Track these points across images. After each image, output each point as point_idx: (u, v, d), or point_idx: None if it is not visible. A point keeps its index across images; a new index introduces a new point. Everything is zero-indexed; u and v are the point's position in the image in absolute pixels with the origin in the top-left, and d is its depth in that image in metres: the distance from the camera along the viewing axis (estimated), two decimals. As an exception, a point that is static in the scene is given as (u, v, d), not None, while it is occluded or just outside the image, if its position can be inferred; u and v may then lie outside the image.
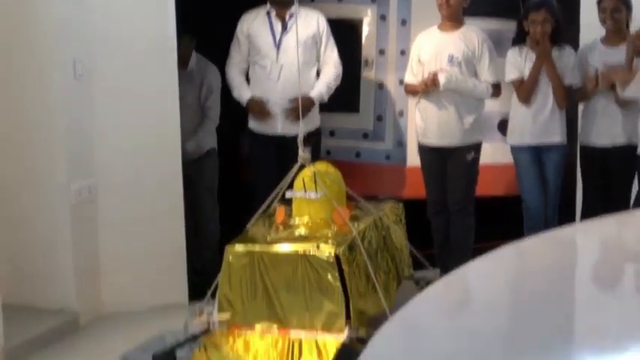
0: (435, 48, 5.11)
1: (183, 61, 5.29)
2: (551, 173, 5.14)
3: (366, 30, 5.87)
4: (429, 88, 5.04)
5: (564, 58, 5.08)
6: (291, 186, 4.35)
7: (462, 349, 1.66)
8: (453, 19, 5.12)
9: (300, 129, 4.41)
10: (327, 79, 5.28)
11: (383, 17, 5.82)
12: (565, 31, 5.10)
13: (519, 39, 5.12)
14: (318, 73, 5.31)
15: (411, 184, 5.68)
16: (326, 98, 5.30)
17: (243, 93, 5.31)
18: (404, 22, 5.80)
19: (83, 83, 4.73)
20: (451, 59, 5.07)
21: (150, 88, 4.90)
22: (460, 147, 5.11)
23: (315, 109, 5.32)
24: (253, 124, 5.30)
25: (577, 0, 5.32)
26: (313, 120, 5.30)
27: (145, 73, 4.88)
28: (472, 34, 5.14)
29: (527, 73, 5.08)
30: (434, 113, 5.12)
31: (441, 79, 5.00)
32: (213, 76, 5.48)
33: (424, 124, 5.18)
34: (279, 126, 5.15)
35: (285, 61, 5.08)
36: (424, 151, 5.25)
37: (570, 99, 5.13)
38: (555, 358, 1.54)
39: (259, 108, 5.24)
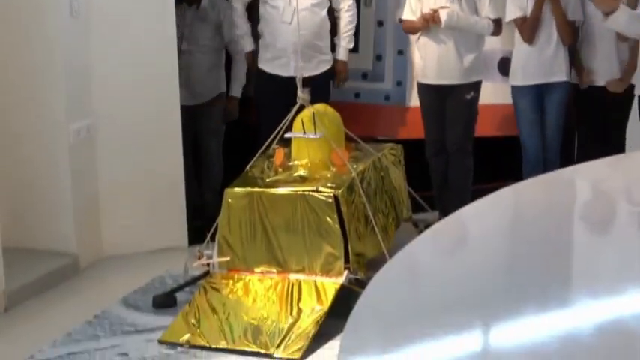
0: None
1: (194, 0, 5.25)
2: (553, 114, 5.09)
3: (365, -32, 5.76)
4: (429, 25, 4.97)
5: None
6: (290, 127, 4.32)
7: (460, 291, 1.66)
8: None
9: (298, 69, 4.36)
10: (347, 29, 5.26)
11: (380, -46, 5.71)
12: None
13: None
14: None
15: (411, 124, 5.63)
16: (352, 46, 5.33)
17: (245, 43, 5.31)
18: (401, -41, 5.69)
19: (79, 20, 4.65)
20: None
21: (148, 25, 4.81)
22: (459, 85, 5.05)
23: (328, 49, 5.26)
24: (264, 65, 5.23)
25: None
26: (327, 61, 5.23)
27: (142, 10, 4.80)
28: None
29: (529, 10, 4.99)
30: (433, 51, 5.05)
31: (443, 15, 4.92)
32: (230, 12, 5.36)
33: (423, 63, 5.12)
34: (292, 67, 5.03)
35: (300, 4, 4.96)
36: (423, 90, 5.20)
37: (574, 35, 5.08)
38: (552, 299, 1.53)
39: (249, 63, 5.30)
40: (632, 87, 4.82)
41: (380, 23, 5.73)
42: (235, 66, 5.51)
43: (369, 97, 5.77)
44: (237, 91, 5.51)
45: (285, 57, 5.07)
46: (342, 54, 5.30)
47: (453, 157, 5.15)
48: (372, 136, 5.39)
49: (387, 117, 5.77)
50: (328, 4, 5.19)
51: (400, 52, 5.72)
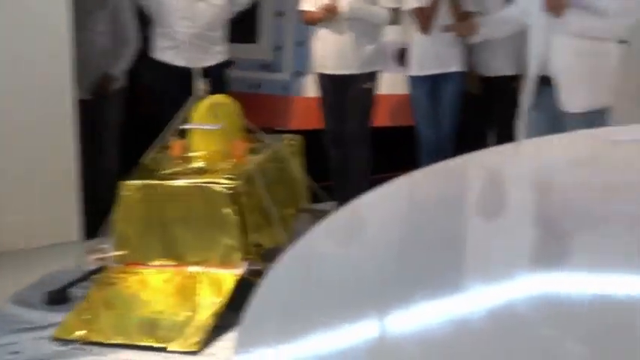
0: None
1: None
2: (447, 103, 5.18)
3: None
4: (329, 15, 4.97)
5: None
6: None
7: (356, 280, 1.66)
8: None
9: (192, 60, 4.30)
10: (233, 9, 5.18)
11: (281, -56, 5.69)
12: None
13: None
14: None
15: (310, 115, 5.63)
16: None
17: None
18: (303, -50, 5.67)
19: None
20: None
21: (39, 9, 4.65)
22: (358, 75, 5.08)
23: (225, 39, 5.17)
24: (158, 53, 5.12)
25: None
26: (222, 51, 5.15)
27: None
28: None
29: (426, 1, 5.05)
30: (333, 41, 5.06)
31: (343, 6, 4.94)
32: None
33: (323, 53, 5.14)
34: (186, 58, 4.95)
35: None
36: (323, 80, 5.22)
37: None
38: (445, 286, 1.54)
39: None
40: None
41: (279, 14, 5.71)
42: (123, 47, 5.31)
43: (268, 87, 5.76)
44: (117, 70, 5.25)
45: (179, 47, 4.98)
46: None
47: (351, 147, 5.18)
48: (272, 127, 5.36)
49: (286, 108, 5.76)
50: None
51: (299, 43, 5.71)
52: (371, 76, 5.14)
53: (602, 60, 4.09)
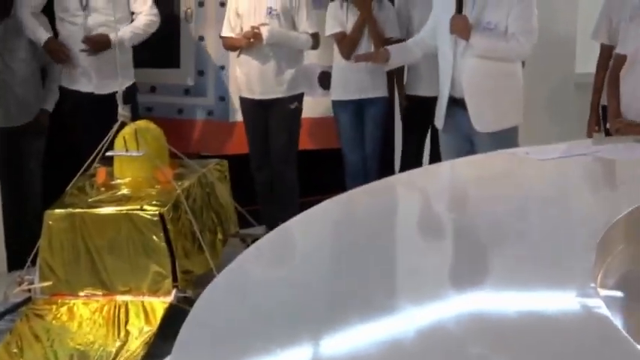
0: (252, 1, 5.05)
1: (4, 8, 4.95)
2: (372, 127, 5.24)
3: (184, -19, 5.72)
4: (250, 42, 4.99)
5: (384, 11, 5.17)
6: (112, 145, 4.22)
7: (288, 304, 1.68)
8: None
9: (119, 84, 4.27)
10: (134, 25, 4.99)
11: (201, -32, 5.70)
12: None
13: None
14: None
15: (235, 139, 5.64)
16: (127, 44, 4.98)
17: (39, 33, 4.90)
18: (222, -27, 5.70)
19: None
20: (270, 12, 5.02)
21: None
22: (282, 99, 5.11)
23: (129, 64, 5.12)
24: (66, 80, 5.05)
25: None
26: (127, 75, 5.06)
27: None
28: None
29: (349, 27, 5.11)
30: (255, 66, 5.08)
31: (264, 33, 4.96)
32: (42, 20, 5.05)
33: (245, 78, 5.14)
34: (93, 83, 4.92)
35: (95, 17, 4.81)
36: (246, 104, 5.22)
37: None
38: (376, 308, 1.57)
39: (59, 48, 4.90)
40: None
41: (201, 38, 5.71)
42: (47, 78, 5.23)
43: (191, 112, 5.74)
44: (49, 104, 5.19)
45: (86, 73, 4.93)
46: (120, 35, 4.86)
47: (277, 170, 5.20)
48: (197, 152, 5.36)
49: (210, 132, 5.75)
50: (130, 18, 5.06)
51: (222, 68, 5.72)
52: (295, 98, 5.17)
53: (508, 80, 4.21)
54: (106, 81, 4.77)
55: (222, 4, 5.63)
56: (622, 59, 3.89)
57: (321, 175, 5.61)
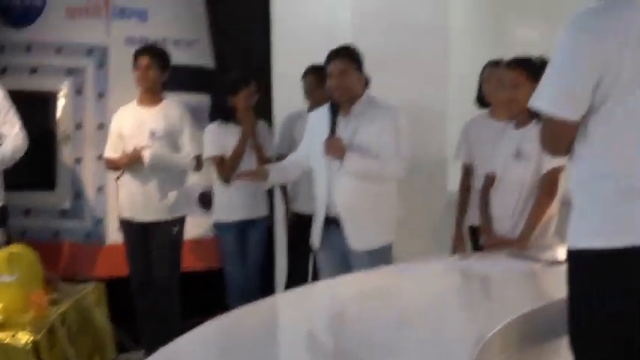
0: (135, 123, 5.06)
1: None
2: (255, 246, 5.23)
3: (61, 103, 5.69)
4: (132, 163, 4.97)
5: (261, 131, 5.23)
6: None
7: None
8: (153, 93, 5.09)
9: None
10: (7, 147, 4.83)
11: (79, 91, 5.70)
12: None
13: (219, 114, 5.18)
14: None
15: (113, 262, 5.53)
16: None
17: None
18: (101, 96, 5.72)
19: None
20: (153, 134, 5.03)
21: None
22: (165, 221, 5.07)
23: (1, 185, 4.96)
24: None
25: (269, 74, 5.54)
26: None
27: None
28: (172, 107, 5.13)
29: (228, 149, 5.11)
30: (136, 188, 5.04)
31: (146, 155, 4.96)
32: None
33: (127, 199, 5.09)
34: None
35: None
36: (127, 226, 5.15)
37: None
38: None
39: None
40: None
41: (78, 160, 5.66)
42: None
43: (68, 235, 5.62)
44: None
45: None
46: None
47: (159, 293, 5.10)
48: (73, 276, 5.21)
49: (87, 256, 5.62)
50: None
51: (100, 189, 5.65)
52: (178, 221, 5.14)
53: (382, 200, 4.32)
54: None
55: (101, 127, 5.64)
56: (491, 178, 4.07)
57: (203, 296, 5.55)
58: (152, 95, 5.10)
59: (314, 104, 4.90)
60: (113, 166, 5.15)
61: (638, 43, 2.25)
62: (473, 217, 4.70)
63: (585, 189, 2.36)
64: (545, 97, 2.35)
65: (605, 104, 2.29)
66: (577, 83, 2.29)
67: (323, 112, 4.31)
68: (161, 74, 5.08)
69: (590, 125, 2.32)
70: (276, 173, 4.38)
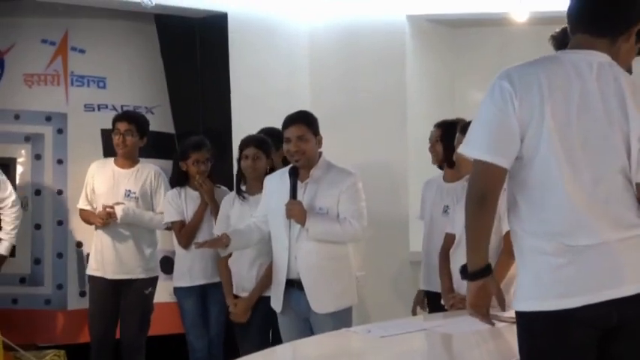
0: (110, 183, 5.12)
1: None
2: (217, 311, 5.13)
3: (20, 170, 5.67)
4: (105, 221, 5.00)
5: (222, 195, 5.05)
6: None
7: None
8: (130, 157, 5.18)
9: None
10: (11, 225, 5.09)
11: (38, 156, 5.69)
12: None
13: (178, 180, 5.18)
14: None
15: (74, 328, 5.46)
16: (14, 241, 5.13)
17: None
18: (60, 162, 5.71)
19: None
20: (128, 194, 5.09)
21: None
22: (139, 280, 5.07)
23: None
24: None
25: (230, 137, 5.59)
26: None
27: None
28: (147, 169, 5.21)
29: (188, 215, 5.05)
30: (109, 244, 5.05)
31: (118, 212, 4.99)
32: None
33: (101, 256, 5.08)
34: None
35: None
36: (96, 283, 5.11)
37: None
38: None
39: None
40: None
41: (37, 226, 5.61)
42: None
43: (27, 302, 5.54)
44: None
45: None
46: (3, 249, 5.08)
47: (126, 356, 5.04)
48: (33, 343, 5.14)
49: (48, 322, 5.54)
50: None
51: (60, 255, 5.61)
52: (151, 282, 5.13)
53: (342, 262, 4.35)
54: None
55: (60, 192, 5.64)
56: (451, 238, 4.13)
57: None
58: (129, 159, 5.18)
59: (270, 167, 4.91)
60: (87, 219, 5.18)
61: (559, 97, 2.30)
62: (428, 283, 4.75)
63: (517, 247, 2.40)
64: (473, 145, 2.38)
65: (531, 158, 2.32)
66: (502, 131, 2.32)
67: (281, 176, 4.36)
68: (139, 140, 5.17)
69: (520, 178, 2.35)
70: (237, 239, 4.36)
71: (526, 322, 2.36)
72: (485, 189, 2.35)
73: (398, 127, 5.86)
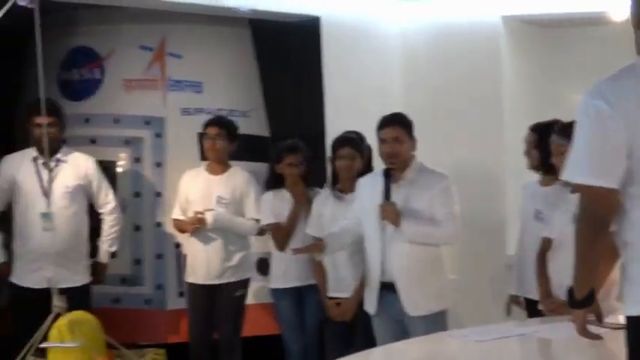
0: (203, 189, 5.19)
1: None
2: (312, 313, 5.12)
3: (120, 172, 5.83)
4: (196, 227, 5.08)
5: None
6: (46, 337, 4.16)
7: None
8: (221, 162, 5.25)
9: (53, 279, 4.25)
10: (110, 231, 5.22)
11: (137, 160, 5.83)
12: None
13: (274, 183, 5.24)
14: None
15: (173, 328, 5.58)
16: (115, 247, 5.26)
17: None
18: (159, 165, 5.84)
19: None
20: (219, 200, 5.15)
21: None
22: (229, 283, 5.14)
23: (86, 254, 5.17)
24: (17, 278, 5.02)
25: (323, 139, 5.62)
26: (85, 266, 5.13)
27: None
28: (239, 175, 5.27)
29: (284, 217, 5.07)
30: (202, 250, 5.14)
31: (209, 217, 5.06)
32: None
33: (193, 262, 5.18)
34: (46, 279, 4.86)
35: (55, 210, 4.84)
36: (191, 288, 5.21)
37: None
38: None
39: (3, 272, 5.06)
40: None
41: (137, 228, 5.76)
42: None
43: (128, 301, 5.69)
44: None
45: (39, 268, 4.89)
46: (103, 257, 5.23)
47: (222, 357, 5.13)
48: (134, 342, 5.27)
49: (148, 321, 5.68)
50: (86, 208, 5.15)
51: (159, 256, 5.74)
52: (242, 284, 5.20)
53: (436, 264, 4.34)
54: (62, 273, 4.76)
55: (159, 194, 5.75)
56: (549, 243, 4.07)
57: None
58: (220, 164, 5.25)
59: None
60: (180, 228, 5.29)
61: None
62: (520, 288, 4.69)
63: (629, 256, 2.33)
64: (576, 170, 2.31)
65: None
66: (604, 151, 2.25)
67: (374, 178, 4.36)
68: (229, 144, 5.24)
69: (633, 190, 2.29)
70: (332, 243, 4.38)
71: (638, 326, 2.30)
72: (596, 214, 2.29)
73: (494, 129, 5.80)
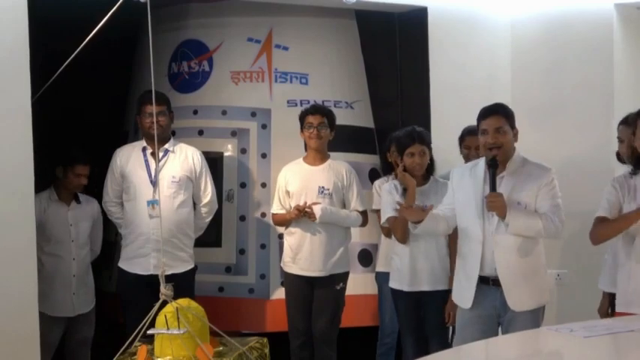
0: (303, 180, 5.18)
1: (75, 195, 5.34)
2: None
3: (227, 163, 5.91)
4: (302, 216, 5.05)
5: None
6: (154, 323, 4.24)
7: None
8: (321, 151, 5.22)
9: (161, 264, 4.34)
10: (197, 222, 5.32)
11: (243, 151, 5.90)
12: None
13: (385, 170, 5.16)
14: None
15: (275, 317, 5.63)
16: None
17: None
18: (264, 156, 5.89)
19: None
20: (322, 191, 5.13)
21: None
22: (329, 276, 5.12)
23: (192, 244, 5.29)
24: (124, 263, 5.18)
25: (429, 130, 5.52)
26: (190, 256, 5.25)
27: None
28: (338, 165, 5.24)
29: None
30: (305, 243, 5.12)
31: (317, 211, 5.04)
32: (97, 207, 5.45)
33: (294, 254, 5.17)
34: (152, 265, 5.01)
35: (161, 199, 4.90)
36: (291, 279, 5.23)
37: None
38: None
39: None
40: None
41: (242, 218, 5.83)
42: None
43: (232, 290, 5.77)
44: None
45: (145, 254, 5.03)
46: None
47: (318, 348, 5.14)
48: (237, 330, 5.34)
49: (251, 310, 5.75)
50: (191, 198, 5.25)
51: (263, 246, 5.79)
52: (342, 277, 5.17)
53: (538, 258, 4.23)
54: (168, 261, 4.80)
55: (264, 185, 5.81)
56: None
57: (356, 352, 5.54)
58: (320, 153, 5.23)
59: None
60: (281, 221, 5.29)
61: None
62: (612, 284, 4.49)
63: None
64: None
65: None
66: None
67: (471, 169, 4.28)
68: (330, 133, 5.22)
69: None
70: (429, 221, 4.28)
71: None
72: None
73: (605, 121, 5.61)
